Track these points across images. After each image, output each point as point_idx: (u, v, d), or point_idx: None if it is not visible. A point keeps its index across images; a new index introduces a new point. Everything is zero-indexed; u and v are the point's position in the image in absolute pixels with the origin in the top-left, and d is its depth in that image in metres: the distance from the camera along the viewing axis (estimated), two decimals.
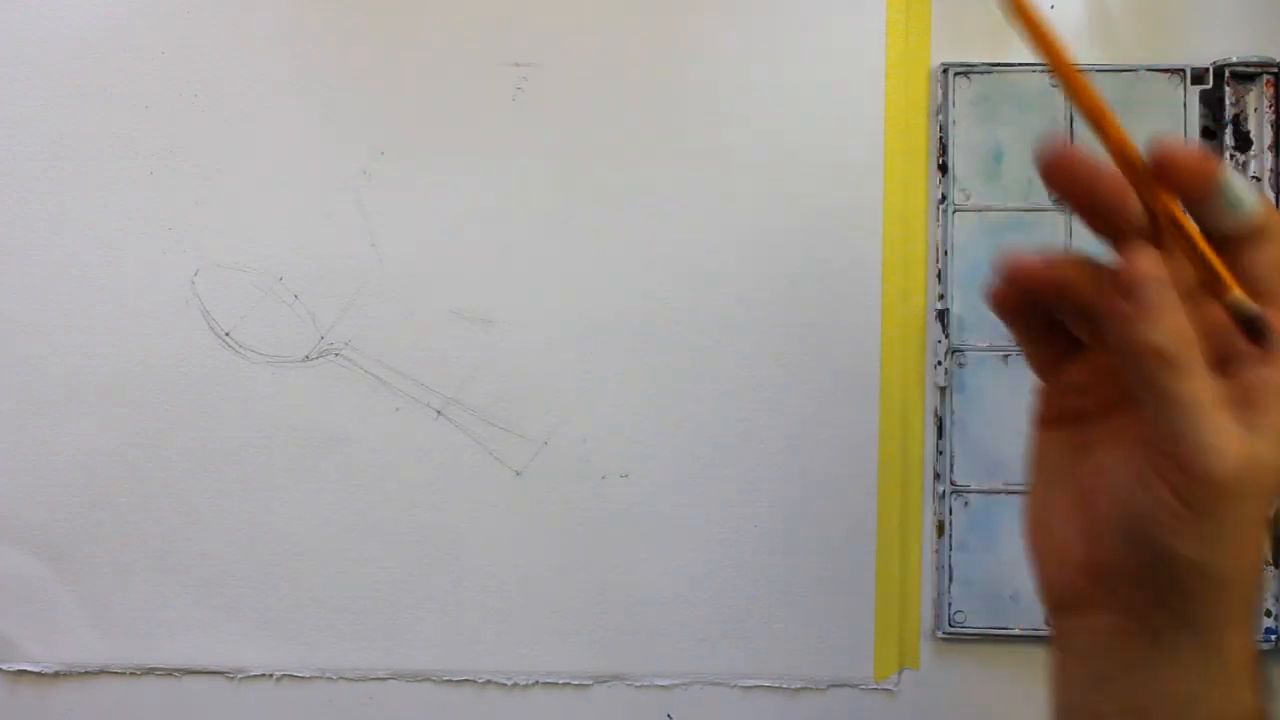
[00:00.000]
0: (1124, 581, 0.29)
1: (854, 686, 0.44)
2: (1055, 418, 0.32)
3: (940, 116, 0.45)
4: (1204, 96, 0.44)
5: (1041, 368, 0.32)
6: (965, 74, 0.44)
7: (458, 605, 0.45)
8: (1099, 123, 0.28)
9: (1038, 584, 0.30)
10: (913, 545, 0.45)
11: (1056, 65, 0.28)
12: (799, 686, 0.44)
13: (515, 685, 0.45)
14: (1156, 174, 0.28)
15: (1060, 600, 0.30)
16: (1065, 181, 0.28)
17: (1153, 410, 0.28)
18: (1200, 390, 0.27)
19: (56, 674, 0.45)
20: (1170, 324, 0.27)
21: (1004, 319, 0.31)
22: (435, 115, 0.45)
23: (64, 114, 0.46)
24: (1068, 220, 0.44)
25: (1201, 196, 0.28)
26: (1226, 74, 0.44)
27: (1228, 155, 0.43)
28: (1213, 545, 0.28)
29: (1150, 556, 0.28)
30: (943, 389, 0.44)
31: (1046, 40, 0.28)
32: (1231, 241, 0.29)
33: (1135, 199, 0.28)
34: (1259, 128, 0.44)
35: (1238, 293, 0.28)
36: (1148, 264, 0.28)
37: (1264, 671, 0.30)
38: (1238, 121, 0.44)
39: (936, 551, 0.44)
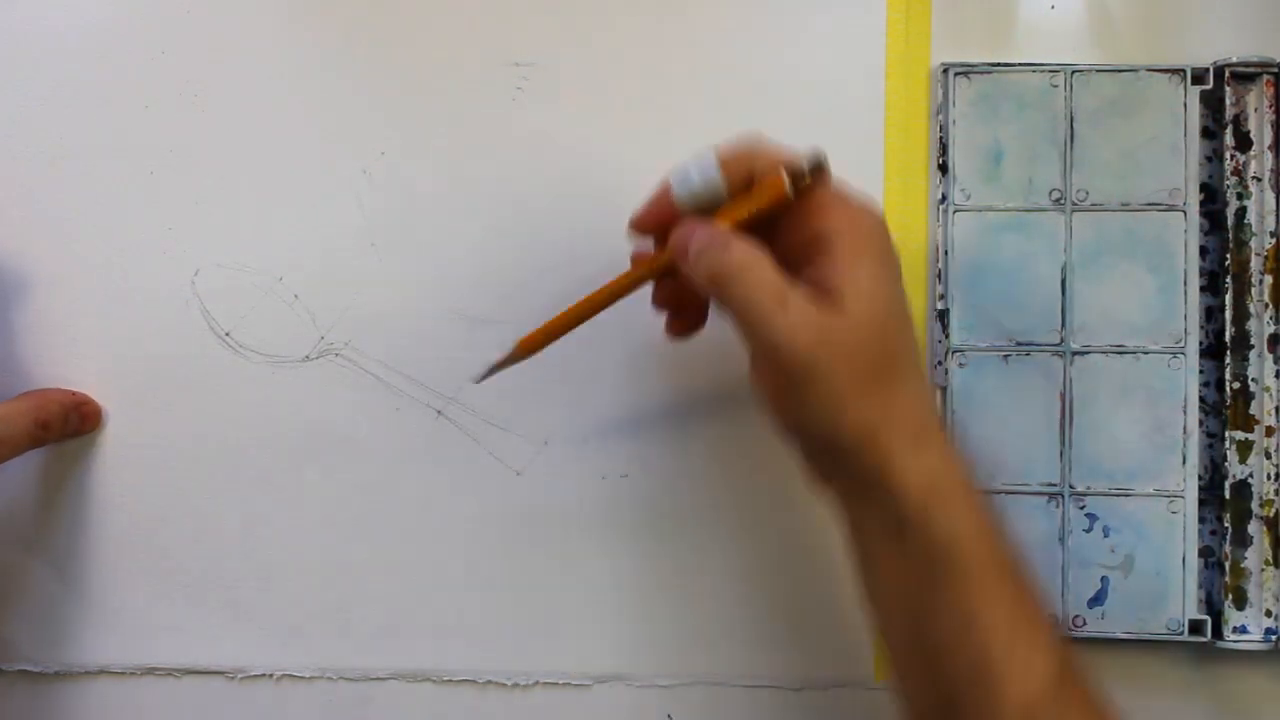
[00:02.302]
0: (809, 459, 0.37)
1: (855, 686, 0.44)
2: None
3: (940, 116, 0.45)
4: (1204, 96, 0.44)
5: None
6: (965, 74, 0.44)
7: (458, 605, 0.45)
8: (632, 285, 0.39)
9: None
10: None
11: (573, 315, 0.39)
12: (800, 686, 0.44)
13: (515, 685, 0.45)
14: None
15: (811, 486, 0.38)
16: (642, 228, 0.39)
17: (738, 321, 0.35)
18: (763, 296, 0.34)
19: (56, 674, 0.45)
20: (716, 258, 0.34)
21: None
22: (435, 115, 0.45)
23: (64, 114, 0.46)
24: (1068, 220, 0.44)
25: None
26: (1226, 74, 0.44)
27: (1228, 155, 0.43)
28: (819, 408, 0.34)
29: (795, 432, 0.36)
30: (943, 389, 0.44)
31: (560, 321, 0.39)
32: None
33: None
34: (1259, 128, 0.44)
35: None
36: (682, 231, 0.36)
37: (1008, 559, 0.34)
38: (1238, 121, 0.44)
39: None
